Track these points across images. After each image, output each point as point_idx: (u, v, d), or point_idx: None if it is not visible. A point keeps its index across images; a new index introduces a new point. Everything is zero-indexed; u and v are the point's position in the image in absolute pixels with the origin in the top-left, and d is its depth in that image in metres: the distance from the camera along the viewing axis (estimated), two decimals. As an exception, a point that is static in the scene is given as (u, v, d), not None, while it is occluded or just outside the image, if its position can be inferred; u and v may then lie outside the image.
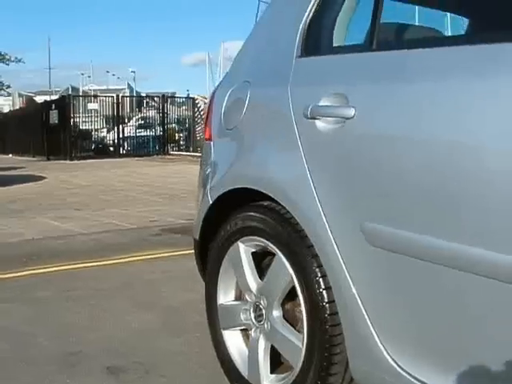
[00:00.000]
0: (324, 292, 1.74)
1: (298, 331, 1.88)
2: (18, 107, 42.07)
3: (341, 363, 1.77)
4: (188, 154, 19.74)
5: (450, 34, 2.22)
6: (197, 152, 18.97)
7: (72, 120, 18.80)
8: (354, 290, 1.63)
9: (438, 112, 1.44)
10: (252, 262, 2.05)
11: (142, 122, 22.04)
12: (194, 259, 2.42)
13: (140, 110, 24.19)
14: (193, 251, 2.42)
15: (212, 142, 2.32)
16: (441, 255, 1.40)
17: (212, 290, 2.21)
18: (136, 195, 8.88)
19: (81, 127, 20.26)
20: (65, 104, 18.86)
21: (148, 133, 21.24)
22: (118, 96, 20.64)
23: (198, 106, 22.08)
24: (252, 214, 2.01)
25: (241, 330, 2.15)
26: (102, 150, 20.32)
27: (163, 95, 21.84)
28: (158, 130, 20.83)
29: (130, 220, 6.38)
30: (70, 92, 38.98)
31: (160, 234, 5.53)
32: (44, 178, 12.01)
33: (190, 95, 24.05)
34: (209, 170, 2.30)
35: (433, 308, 1.47)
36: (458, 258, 1.37)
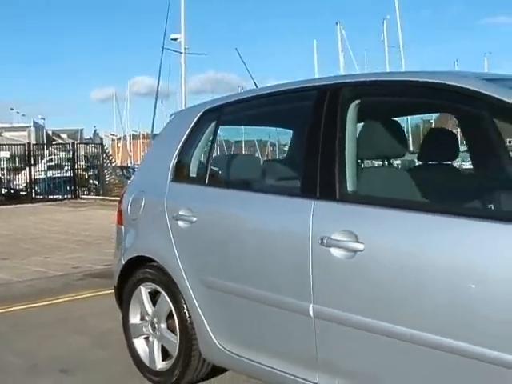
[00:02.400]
0: (186, 313, 3.30)
1: (175, 335, 3.43)
2: None
3: (197, 350, 3.33)
4: (98, 197, 20.83)
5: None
6: (107, 196, 20.16)
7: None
8: (199, 310, 3.20)
9: (235, 223, 3.06)
10: (149, 297, 3.59)
11: (52, 163, 22.94)
12: (112, 298, 3.92)
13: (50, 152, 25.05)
14: (110, 291, 3.92)
15: (123, 226, 3.87)
16: (236, 290, 3.00)
17: (126, 315, 3.73)
18: (54, 243, 10.09)
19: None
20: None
21: (59, 174, 22.10)
22: (29, 144, 21.53)
23: (107, 151, 23.29)
24: (147, 270, 3.56)
25: (144, 337, 3.67)
26: (13, 196, 21.09)
27: (73, 142, 22.88)
28: (69, 173, 21.78)
29: (55, 267, 7.68)
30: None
31: (83, 279, 6.92)
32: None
33: (97, 131, 25.22)
34: (121, 244, 3.83)
35: (238, 318, 3.06)
36: (249, 293, 2.93)
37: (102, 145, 23.82)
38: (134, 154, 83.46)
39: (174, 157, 3.58)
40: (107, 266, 7.44)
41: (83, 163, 22.57)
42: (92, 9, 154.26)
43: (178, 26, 33.16)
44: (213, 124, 3.51)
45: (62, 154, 22.85)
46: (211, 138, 3.53)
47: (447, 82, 2.37)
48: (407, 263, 2.24)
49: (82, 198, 21.25)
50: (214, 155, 3.58)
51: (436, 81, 2.42)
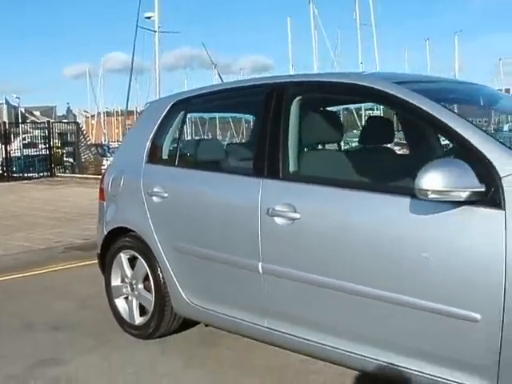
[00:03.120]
0: (160, 274, 3.89)
1: (151, 294, 4.02)
2: None
3: (169, 306, 3.93)
4: (75, 175, 21.25)
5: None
6: (83, 174, 20.58)
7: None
8: (171, 271, 3.80)
9: (201, 197, 3.65)
10: (128, 262, 4.18)
11: (26, 141, 23.20)
12: (91, 267, 4.50)
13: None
14: (90, 262, 4.49)
15: (104, 202, 4.43)
16: (202, 253, 3.60)
17: (108, 278, 4.31)
18: (35, 220, 10.57)
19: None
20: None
21: (35, 152, 22.38)
22: (4, 123, 21.79)
23: (82, 129, 23.61)
24: (126, 239, 4.14)
25: (124, 297, 4.27)
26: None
27: (48, 121, 23.16)
28: (44, 151, 22.07)
29: (38, 242, 8.20)
30: None
31: (64, 252, 7.46)
32: None
33: (71, 108, 25.51)
34: (103, 217, 4.40)
35: (203, 277, 3.66)
36: (212, 255, 3.54)
37: (77, 123, 24.12)
38: (108, 131, 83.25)
39: (149, 141, 4.15)
40: (86, 240, 8.03)
41: (58, 141, 22.86)
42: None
43: (152, 4, 33.36)
44: (181, 113, 4.09)
45: (37, 133, 23.12)
46: (180, 125, 4.12)
47: (366, 84, 2.98)
48: (335, 228, 2.86)
49: (58, 176, 21.61)
50: (182, 140, 4.15)
51: (358, 82, 3.04)
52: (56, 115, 72.03)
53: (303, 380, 3.40)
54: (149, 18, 32.88)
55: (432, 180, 2.37)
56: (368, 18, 48.54)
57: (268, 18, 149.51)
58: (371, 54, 48.80)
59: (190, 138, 4.11)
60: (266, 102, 3.40)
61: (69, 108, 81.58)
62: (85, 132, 23.05)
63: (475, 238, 2.42)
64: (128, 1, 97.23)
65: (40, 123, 24.11)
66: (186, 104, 4.11)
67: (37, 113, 76.33)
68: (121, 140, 47.48)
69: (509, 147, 2.49)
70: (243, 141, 4.54)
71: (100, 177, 4.98)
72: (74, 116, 79.76)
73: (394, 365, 2.69)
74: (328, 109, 3.81)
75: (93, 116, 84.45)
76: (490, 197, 2.39)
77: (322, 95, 3.47)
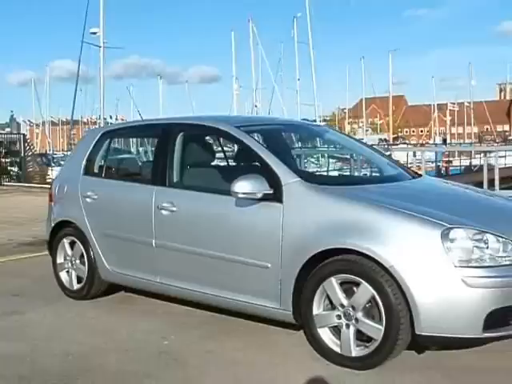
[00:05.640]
0: (92, 253, 5.61)
1: (85, 267, 5.74)
2: None
3: (98, 274, 5.65)
4: (21, 184, 22.46)
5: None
6: (30, 183, 21.86)
7: None
8: (99, 250, 5.53)
9: (122, 201, 5.42)
10: (69, 245, 5.89)
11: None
12: (40, 258, 6.18)
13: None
14: (39, 254, 6.19)
15: (52, 203, 6.14)
16: (118, 236, 5.35)
17: (54, 258, 5.99)
18: (-12, 223, 12.04)
19: None
20: None
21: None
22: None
23: (28, 140, 24.86)
24: (68, 228, 5.87)
25: (66, 271, 5.97)
26: None
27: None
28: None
29: (-7, 240, 9.75)
30: None
31: (17, 247, 9.03)
32: None
33: (14, 116, 26.64)
34: (51, 213, 6.11)
35: (119, 251, 5.41)
36: (124, 236, 5.29)
37: (23, 134, 25.35)
38: (53, 141, 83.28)
39: (85, 160, 5.89)
40: (35, 238, 9.60)
41: (2, 150, 23.90)
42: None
43: (97, 19, 34.76)
44: (108, 140, 5.87)
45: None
46: (106, 149, 5.89)
47: (214, 126, 4.97)
48: (196, 216, 4.70)
49: (4, 185, 22.69)
50: (108, 159, 5.93)
51: (210, 124, 5.03)
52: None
53: (188, 324, 5.19)
54: (94, 33, 34.26)
55: (241, 186, 4.23)
56: (306, 36, 51.06)
57: (216, 29, 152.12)
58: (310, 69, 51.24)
59: (113, 157, 5.54)
60: (161, 135, 5.24)
61: (12, 116, 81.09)
62: (30, 142, 24.20)
63: (267, 218, 4.29)
64: (76, 9, 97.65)
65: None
66: (112, 134, 5.94)
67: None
68: (66, 149, 48.52)
69: (289, 166, 4.39)
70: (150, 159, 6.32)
71: (46, 186, 6.69)
72: (18, 124, 79.38)
73: (221, 296, 4.56)
74: (206, 138, 5.66)
75: (37, 125, 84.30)
76: (276, 196, 4.26)
77: (194, 132, 5.33)
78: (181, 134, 5.10)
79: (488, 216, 4.24)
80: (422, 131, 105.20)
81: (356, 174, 10.25)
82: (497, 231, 3.84)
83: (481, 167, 12.50)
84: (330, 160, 16.03)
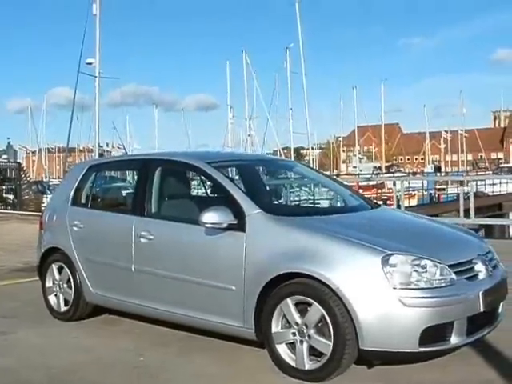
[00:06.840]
0: (78, 277, 6.08)
1: (71, 290, 6.21)
2: None
3: (83, 297, 6.12)
4: (15, 212, 22.95)
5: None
6: (24, 210, 22.33)
7: None
8: (84, 274, 6.01)
9: (105, 229, 5.92)
10: (57, 270, 6.36)
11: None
12: (31, 283, 6.65)
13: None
14: (30, 279, 6.66)
15: (43, 230, 6.63)
16: (102, 261, 5.84)
17: (43, 282, 6.46)
18: (-17, 250, 12.48)
19: None
20: None
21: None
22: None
23: (23, 168, 25.39)
24: (56, 254, 6.34)
25: (54, 294, 6.43)
26: None
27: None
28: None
29: (-13, 266, 10.19)
30: None
31: (9, 273, 9.47)
32: None
33: (11, 143, 27.18)
34: (41, 240, 6.59)
35: (102, 276, 5.89)
36: (107, 262, 5.79)
37: (19, 163, 25.87)
38: (49, 168, 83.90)
39: (72, 191, 6.40)
40: (26, 265, 10.02)
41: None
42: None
43: (93, 50, 35.57)
44: (94, 173, 6.39)
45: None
46: (92, 181, 6.40)
47: (188, 162, 5.51)
48: (171, 243, 5.20)
49: (0, 213, 23.22)
50: (93, 191, 6.44)
51: (185, 160, 5.55)
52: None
53: (164, 343, 5.65)
54: (90, 63, 35.02)
55: (209, 217, 4.74)
56: (299, 67, 52.09)
57: (213, 58, 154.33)
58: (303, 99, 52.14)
59: (98, 189, 6.05)
60: (141, 169, 5.77)
61: (9, 143, 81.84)
62: (26, 170, 24.73)
63: (232, 246, 4.79)
64: (77, 37, 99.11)
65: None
66: (97, 167, 6.46)
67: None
68: (61, 177, 49.02)
69: (252, 199, 4.90)
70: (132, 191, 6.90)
71: (39, 213, 7.18)
72: (15, 151, 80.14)
73: (193, 317, 5.04)
74: (181, 173, 6.17)
75: (34, 152, 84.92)
76: (240, 226, 4.76)
77: (170, 167, 5.86)
78: (158, 168, 5.63)
79: (429, 243, 4.75)
80: (416, 159, 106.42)
81: (317, 205, 10.75)
82: (434, 257, 4.34)
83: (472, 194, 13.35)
84: (296, 192, 16.72)
